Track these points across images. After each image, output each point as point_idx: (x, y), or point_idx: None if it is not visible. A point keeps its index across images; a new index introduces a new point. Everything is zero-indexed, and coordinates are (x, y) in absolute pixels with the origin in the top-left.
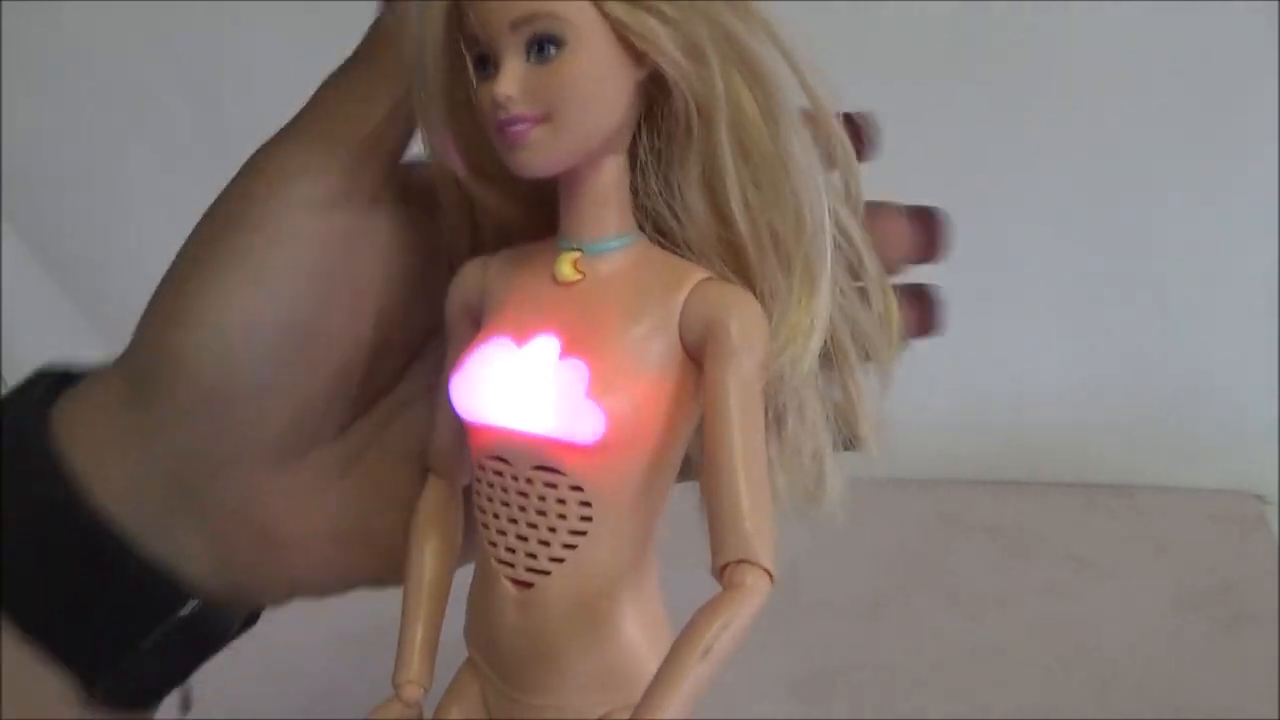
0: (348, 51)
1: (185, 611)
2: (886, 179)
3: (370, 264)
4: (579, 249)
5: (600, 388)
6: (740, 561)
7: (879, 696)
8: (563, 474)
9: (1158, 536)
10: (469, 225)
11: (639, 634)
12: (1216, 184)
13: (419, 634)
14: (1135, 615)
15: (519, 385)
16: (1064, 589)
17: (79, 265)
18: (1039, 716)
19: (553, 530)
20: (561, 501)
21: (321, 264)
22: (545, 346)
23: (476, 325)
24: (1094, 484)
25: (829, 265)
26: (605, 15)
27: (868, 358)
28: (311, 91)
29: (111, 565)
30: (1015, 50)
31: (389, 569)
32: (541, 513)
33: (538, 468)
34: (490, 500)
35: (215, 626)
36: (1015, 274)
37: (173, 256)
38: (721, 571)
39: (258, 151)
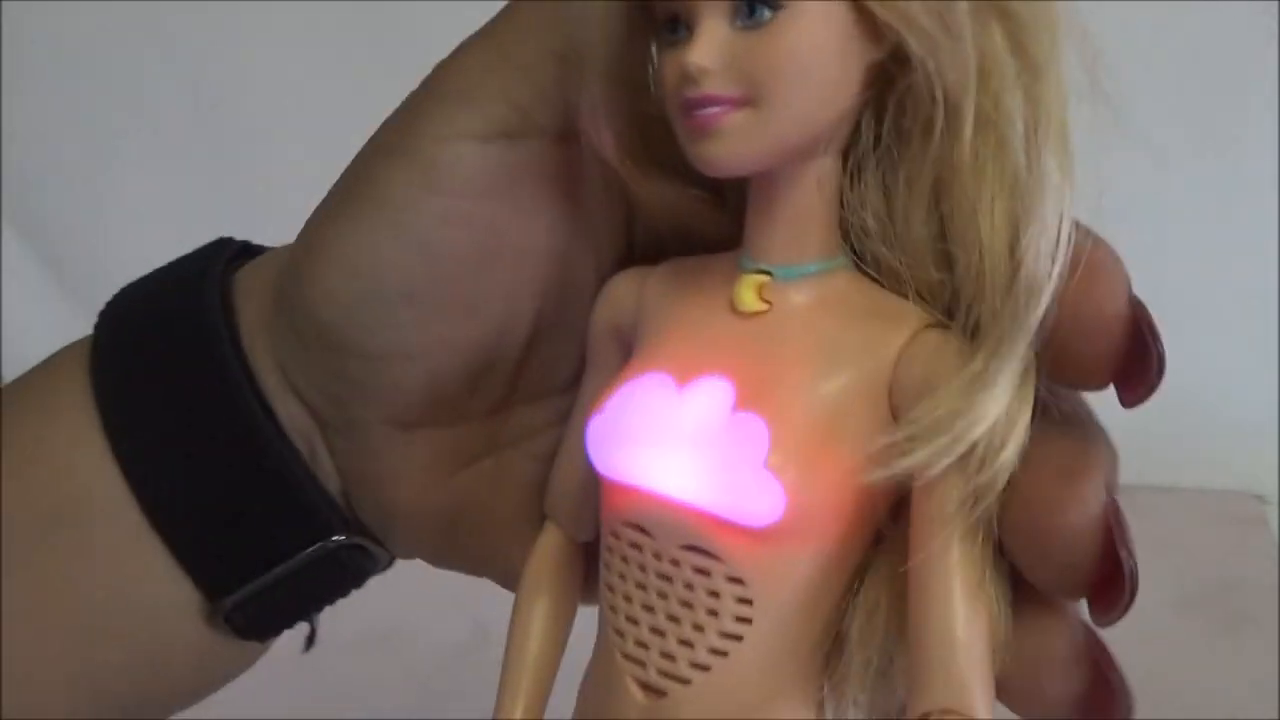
0: (348, 51)
1: (330, 545)
2: None
3: (538, 223)
4: (768, 272)
5: (782, 457)
6: (947, 711)
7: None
8: (719, 560)
9: (1158, 537)
10: (624, 228)
11: None
12: (1217, 183)
13: (517, 716)
14: (1135, 615)
15: (678, 440)
16: None
17: (79, 265)
18: None
19: (699, 629)
20: (714, 594)
21: (480, 212)
22: (715, 393)
23: (626, 353)
24: None
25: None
26: None
27: None
28: (311, 91)
29: (268, 471)
30: None
31: (486, 570)
32: (687, 604)
33: (688, 547)
34: (622, 578)
35: (355, 567)
36: None
37: (173, 256)
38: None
39: (439, 64)
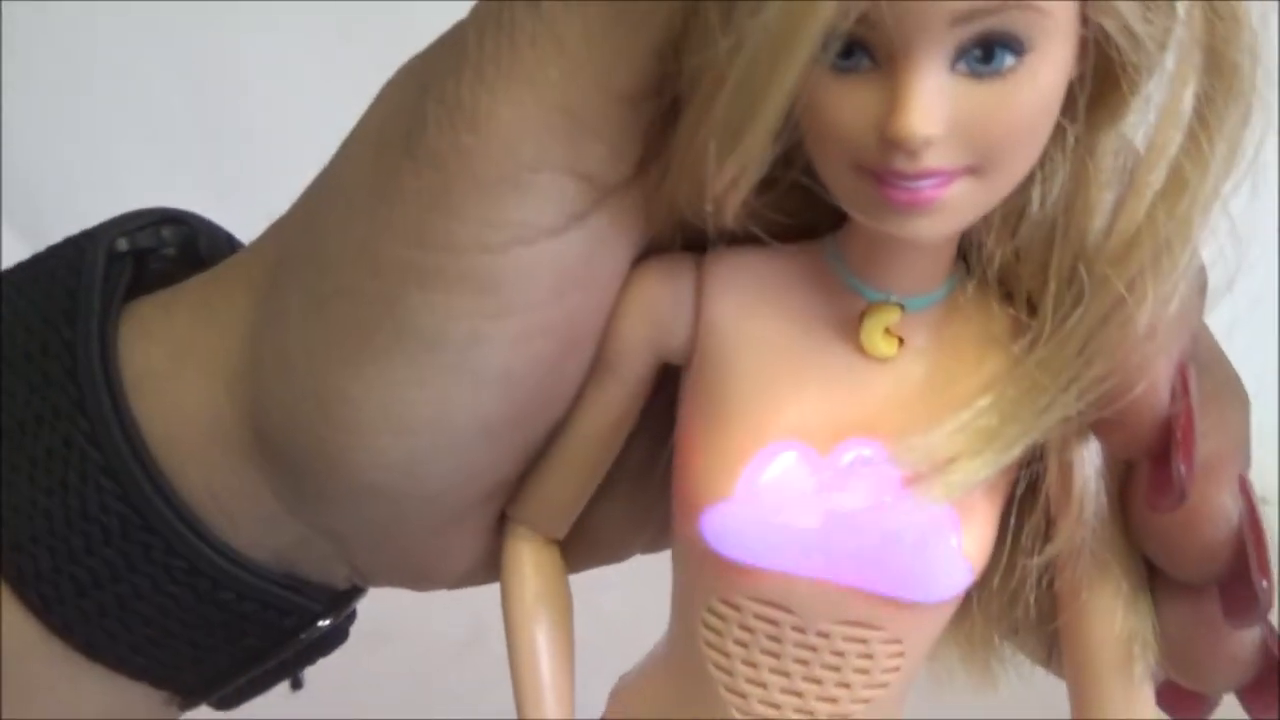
0: (348, 52)
1: (318, 631)
2: None
3: (616, 282)
4: (899, 304)
5: (973, 536)
6: None
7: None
8: (880, 629)
9: None
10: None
11: None
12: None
13: None
14: None
15: (856, 524)
16: None
17: None
18: (1039, 716)
19: (845, 686)
20: (868, 656)
21: (562, 312)
22: (875, 465)
23: (659, 369)
24: None
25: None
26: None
27: None
28: (313, 92)
29: (223, 594)
30: None
31: None
32: (834, 668)
33: (844, 621)
34: (742, 646)
35: (340, 631)
36: None
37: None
38: None
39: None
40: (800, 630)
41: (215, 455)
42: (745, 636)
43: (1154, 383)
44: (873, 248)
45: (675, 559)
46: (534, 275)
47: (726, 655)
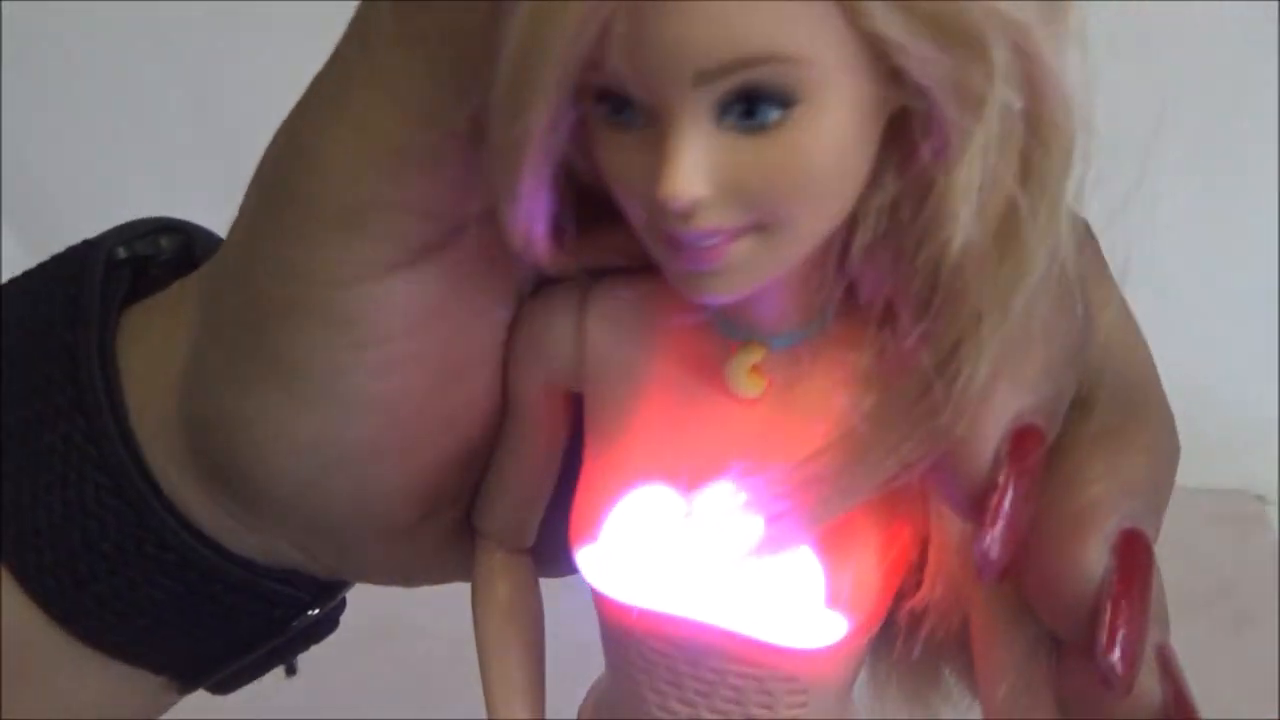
0: None
1: (307, 619)
2: None
3: (494, 307)
4: (764, 344)
5: (838, 589)
6: None
7: (879, 696)
8: (771, 669)
9: (1159, 536)
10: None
11: None
12: (1217, 183)
13: None
14: None
15: (709, 566)
16: None
17: None
18: None
19: (751, 719)
20: (767, 693)
21: (429, 340)
22: (732, 506)
23: (565, 404)
24: None
25: None
26: (863, 35)
27: None
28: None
29: (213, 584)
30: None
31: None
32: (736, 703)
33: (732, 661)
34: (647, 675)
35: (330, 620)
36: None
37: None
38: None
39: (301, 146)
40: (693, 665)
41: (174, 467)
42: (647, 667)
43: (970, 443)
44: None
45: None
46: (387, 308)
47: (635, 682)
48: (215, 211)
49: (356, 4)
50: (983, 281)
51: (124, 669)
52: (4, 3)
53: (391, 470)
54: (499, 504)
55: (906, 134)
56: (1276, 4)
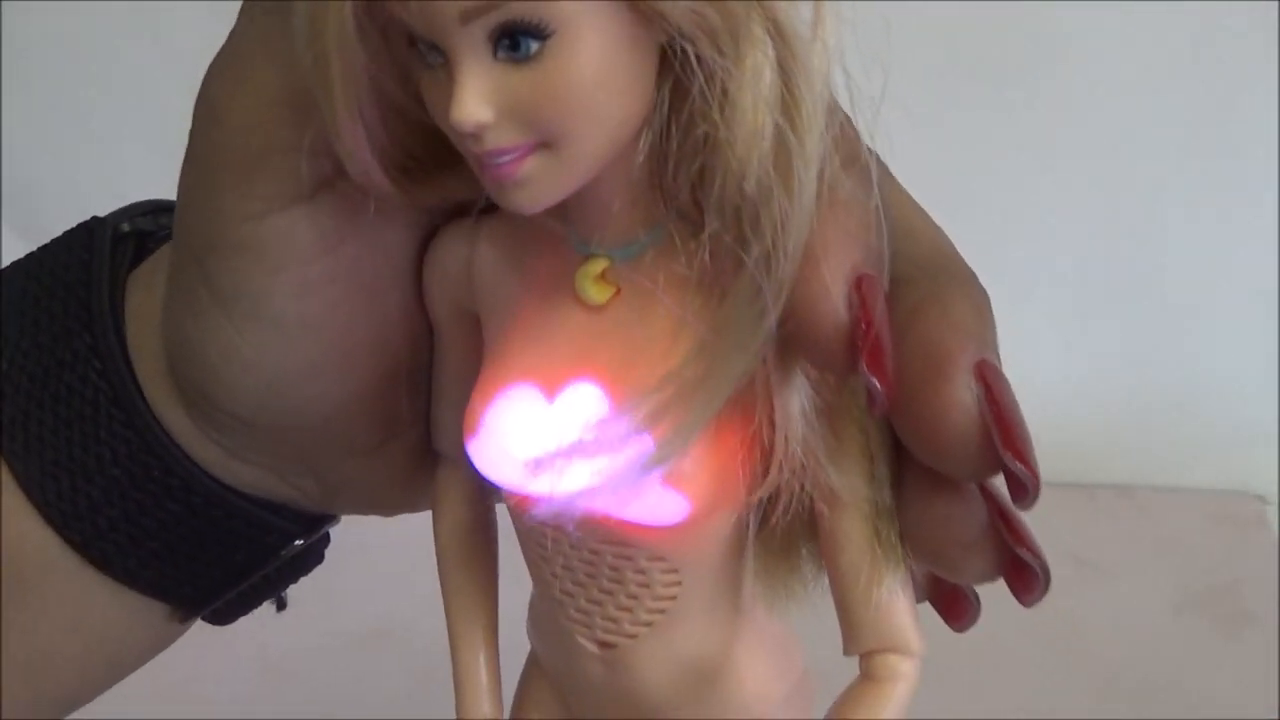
0: None
1: (294, 549)
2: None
3: (406, 229)
4: (606, 257)
5: (676, 471)
6: (888, 651)
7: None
8: (637, 547)
9: (1158, 537)
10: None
11: (764, 679)
12: (1217, 183)
13: (483, 672)
14: (1136, 615)
15: (567, 455)
16: (1064, 589)
17: None
18: (1039, 716)
19: (634, 598)
20: (641, 572)
21: (340, 262)
22: (588, 403)
23: (472, 322)
24: (1095, 484)
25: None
26: None
27: None
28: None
29: (210, 506)
30: (1017, 50)
31: None
32: (617, 582)
33: (606, 541)
34: (545, 561)
35: (322, 550)
36: (1017, 274)
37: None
38: (862, 660)
39: (204, 99)
40: (576, 548)
41: (169, 401)
42: (543, 553)
43: (818, 297)
44: (575, 212)
45: None
46: (294, 235)
47: (541, 564)
48: None
49: None
50: (771, 194)
51: (131, 597)
52: (4, 2)
53: (335, 388)
54: (442, 420)
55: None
56: (1276, 4)
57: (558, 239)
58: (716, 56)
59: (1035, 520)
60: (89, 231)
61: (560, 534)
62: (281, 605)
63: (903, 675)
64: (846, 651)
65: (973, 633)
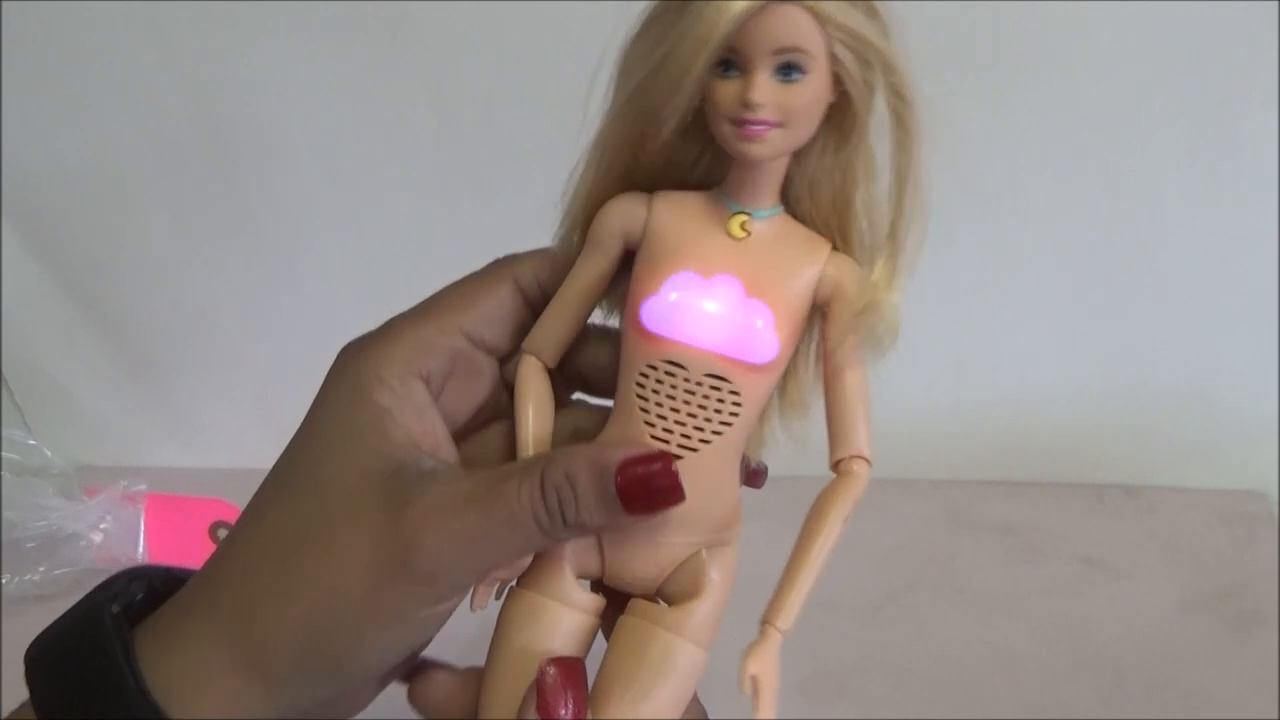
0: (349, 51)
1: None
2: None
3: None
4: (749, 213)
5: (778, 325)
6: (854, 456)
7: (886, 696)
8: (729, 381)
9: (1166, 536)
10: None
11: (735, 483)
12: (1219, 184)
13: (530, 423)
14: (1143, 615)
15: (718, 315)
16: (1072, 589)
17: (79, 265)
18: (1046, 716)
19: (708, 420)
20: (721, 400)
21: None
22: (732, 286)
23: (626, 251)
24: (1102, 484)
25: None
26: (831, 54)
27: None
28: (313, 90)
29: None
30: (1018, 51)
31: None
32: (702, 407)
33: (709, 374)
34: (655, 393)
35: None
36: (1023, 275)
37: (171, 257)
38: (837, 464)
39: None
40: (688, 380)
41: None
42: (656, 385)
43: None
44: (737, 182)
45: (624, 346)
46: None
47: (644, 399)
48: (216, 209)
49: (351, 6)
50: (864, 216)
51: None
52: (4, 2)
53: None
54: (551, 322)
55: (832, 116)
56: (1276, 4)
57: (714, 203)
58: (859, 103)
59: (1045, 521)
60: (92, 619)
61: (677, 369)
62: None
63: (865, 475)
64: (833, 459)
65: (982, 632)
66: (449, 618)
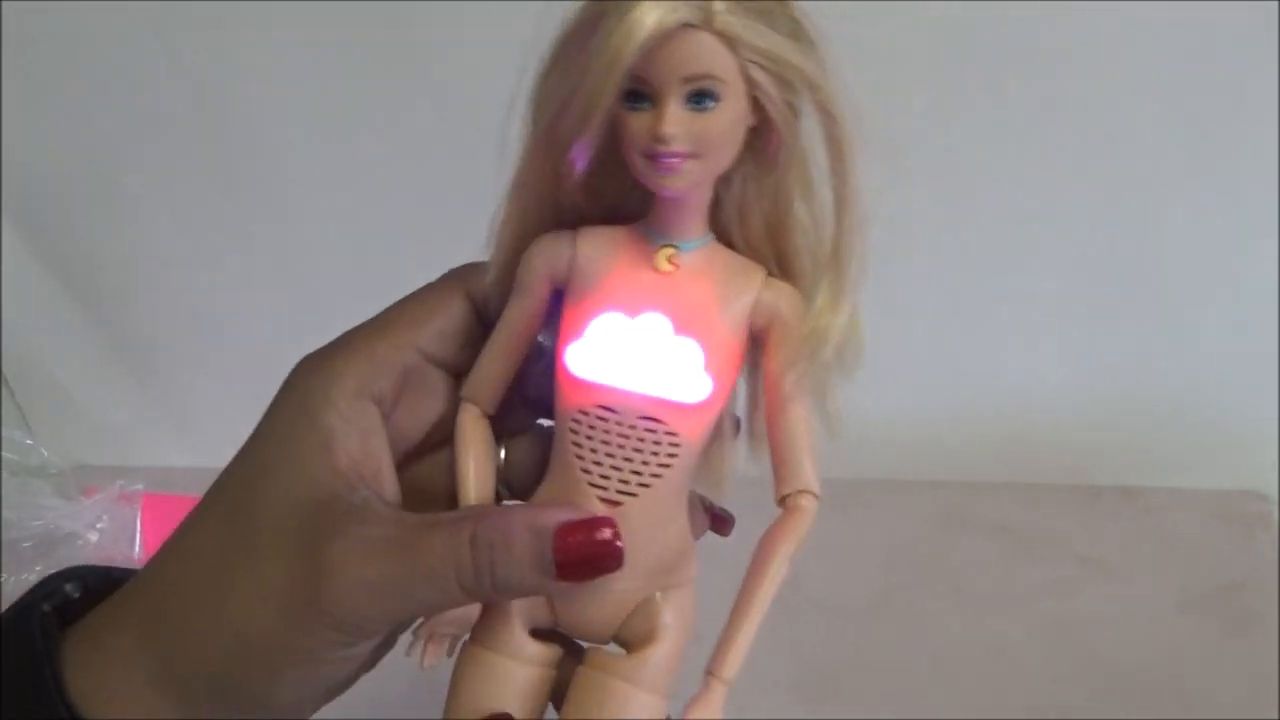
0: (349, 50)
1: None
2: (893, 179)
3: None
4: (675, 246)
5: (709, 362)
6: (801, 491)
7: (880, 696)
8: (663, 423)
9: (1162, 536)
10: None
11: (683, 524)
12: (1218, 184)
13: (471, 474)
14: (1140, 615)
15: (644, 356)
16: (1069, 589)
17: (79, 265)
18: (1043, 716)
19: (645, 463)
20: (658, 442)
21: None
22: (658, 324)
23: (555, 291)
24: (1099, 484)
25: (855, 285)
26: (747, 78)
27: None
28: (313, 90)
29: None
30: (1018, 52)
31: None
32: (638, 450)
33: (643, 417)
34: (589, 439)
35: None
36: (1021, 275)
37: (171, 257)
38: (784, 500)
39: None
40: (619, 424)
41: None
42: (590, 431)
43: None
44: (661, 215)
45: (556, 392)
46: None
47: (579, 445)
48: (217, 208)
49: (350, 6)
50: (802, 238)
51: None
52: (4, 2)
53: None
54: (487, 368)
55: (756, 140)
56: (1276, 4)
57: (639, 237)
58: (783, 128)
59: (1041, 521)
60: (21, 619)
61: (607, 411)
62: None
63: (813, 510)
64: (779, 494)
65: (977, 632)
66: (377, 661)
